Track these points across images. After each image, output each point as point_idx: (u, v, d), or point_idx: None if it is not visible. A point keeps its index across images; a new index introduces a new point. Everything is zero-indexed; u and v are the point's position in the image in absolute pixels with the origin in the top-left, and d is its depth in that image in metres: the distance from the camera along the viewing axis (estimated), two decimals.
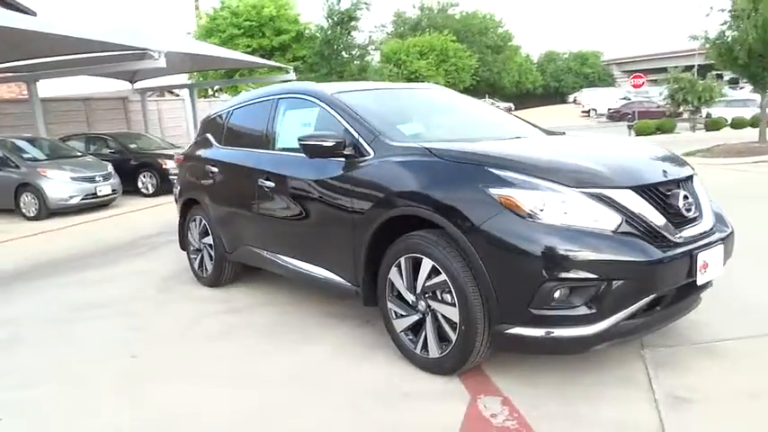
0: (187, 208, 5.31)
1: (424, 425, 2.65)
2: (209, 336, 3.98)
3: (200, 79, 23.45)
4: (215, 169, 4.82)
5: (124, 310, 4.69)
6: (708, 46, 12.94)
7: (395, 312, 3.25)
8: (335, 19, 21.93)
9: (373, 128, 3.47)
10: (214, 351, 3.71)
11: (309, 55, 22.48)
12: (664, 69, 56.14)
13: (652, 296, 2.71)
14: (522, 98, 54.45)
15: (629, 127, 21.56)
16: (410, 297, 3.13)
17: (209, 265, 5.07)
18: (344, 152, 3.45)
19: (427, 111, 4.29)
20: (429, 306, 3.04)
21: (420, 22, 44.77)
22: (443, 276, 2.89)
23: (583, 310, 2.62)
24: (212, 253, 4.98)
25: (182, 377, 3.34)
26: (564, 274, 2.58)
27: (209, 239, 5.01)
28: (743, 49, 11.66)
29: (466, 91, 32.33)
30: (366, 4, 22.29)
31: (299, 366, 3.36)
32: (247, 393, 3.07)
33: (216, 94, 26.55)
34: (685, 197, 2.93)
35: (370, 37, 23.37)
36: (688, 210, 2.91)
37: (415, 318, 3.13)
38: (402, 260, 3.12)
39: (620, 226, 2.66)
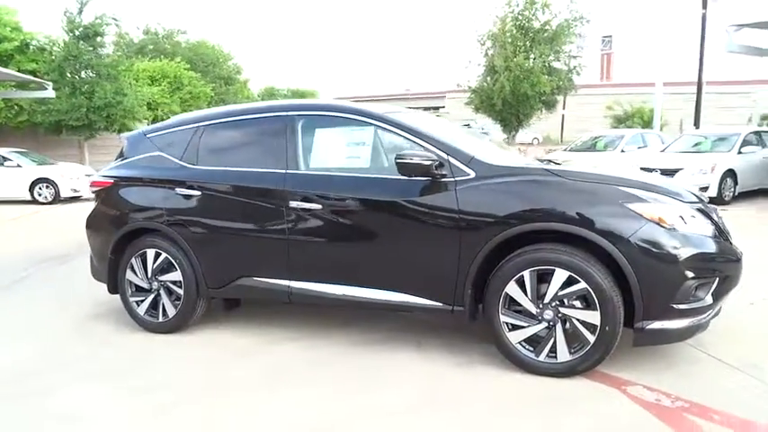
0: (126, 241, 4.37)
1: (621, 420, 2.89)
2: (251, 387, 3.42)
3: None
4: (195, 192, 4.13)
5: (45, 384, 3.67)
6: (470, 94, 15.50)
7: (509, 325, 3.38)
8: (78, 33, 19.32)
9: (464, 149, 3.57)
10: (287, 410, 3.24)
11: (45, 71, 19.25)
12: None
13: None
14: None
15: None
16: (533, 308, 3.31)
17: (169, 308, 4.26)
18: (440, 172, 3.46)
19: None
20: (560, 314, 3.27)
21: (145, 47, 41.97)
22: (582, 284, 3.17)
23: (708, 301, 3.21)
24: (179, 292, 4.21)
25: None
26: (700, 273, 3.14)
27: (173, 276, 4.22)
28: (499, 98, 14.33)
29: None
30: (114, 19, 20.22)
31: (432, 390, 3.23)
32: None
33: None
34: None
35: (119, 56, 21.07)
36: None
37: (538, 327, 3.32)
38: (526, 273, 3.29)
39: (714, 232, 3.34)
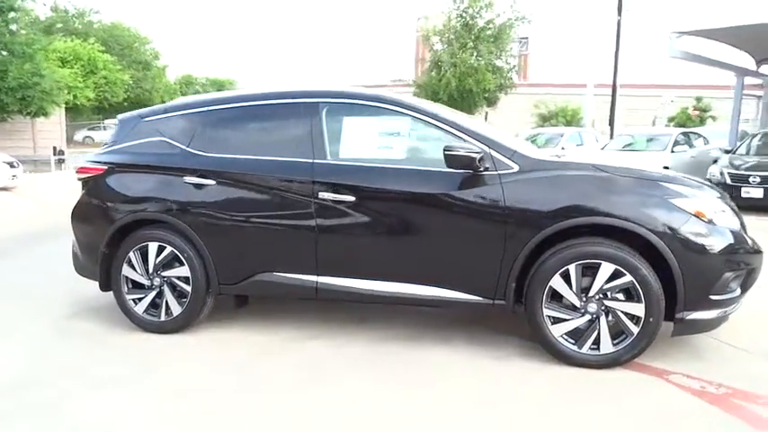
0: (123, 233, 4.02)
1: (680, 407, 2.98)
2: (287, 388, 3.25)
3: None
4: (208, 181, 3.85)
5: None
6: (415, 89, 15.62)
7: (552, 318, 3.39)
8: None
9: (506, 143, 3.55)
10: (335, 410, 3.10)
11: None
12: None
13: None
14: None
15: None
16: (577, 301, 3.35)
17: (174, 306, 3.95)
18: (484, 165, 3.42)
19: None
20: (604, 306, 3.32)
21: (53, 26, 38.94)
22: (628, 277, 3.24)
23: (738, 292, 3.37)
24: (185, 288, 3.92)
25: None
26: (734, 265, 3.30)
27: (179, 271, 3.92)
28: (445, 93, 14.55)
29: (120, 107, 29.76)
30: None
31: (483, 385, 3.19)
32: None
33: None
34: None
35: (34, 34, 19.34)
36: None
37: (582, 320, 3.36)
38: (572, 267, 3.32)
39: (740, 225, 3.51)
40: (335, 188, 3.61)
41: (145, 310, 4.02)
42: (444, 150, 3.37)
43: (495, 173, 3.43)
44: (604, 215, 3.27)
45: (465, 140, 3.51)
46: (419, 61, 46.56)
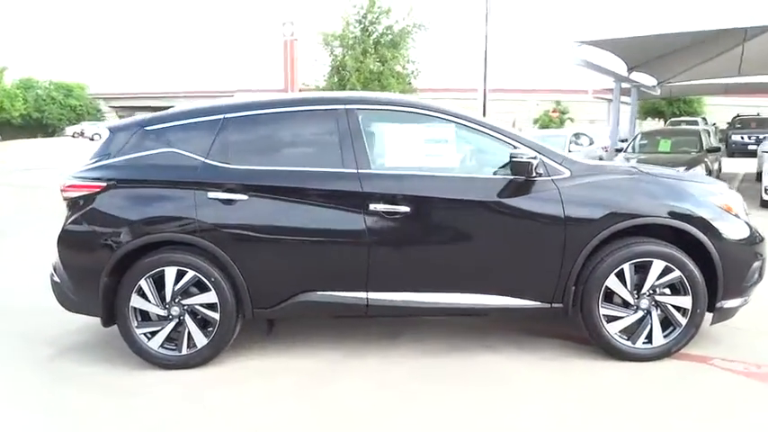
0: (130, 259, 3.52)
1: (736, 388, 3.24)
2: (375, 415, 3.07)
3: None
4: (239, 196, 3.49)
5: None
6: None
7: (607, 317, 3.52)
8: None
9: (554, 149, 3.62)
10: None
11: None
12: (156, 108, 58.57)
13: None
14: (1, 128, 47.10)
15: None
16: (631, 299, 3.51)
17: (199, 337, 3.54)
18: (539, 171, 3.47)
19: None
20: (655, 301, 3.51)
21: None
22: (677, 273, 3.46)
23: (759, 280, 3.73)
24: (212, 316, 3.53)
25: None
26: (759, 255, 3.65)
27: (204, 298, 3.52)
28: None
29: None
30: None
31: (595, 390, 3.22)
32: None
33: None
34: None
35: None
36: None
37: (636, 316, 3.52)
38: (626, 266, 3.47)
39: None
40: (389, 199, 3.44)
41: (161, 345, 3.55)
42: (511, 157, 3.37)
43: (549, 178, 3.49)
44: (657, 215, 3.45)
45: (518, 147, 3.53)
46: (290, 67, 45.83)
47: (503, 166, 3.58)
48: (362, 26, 17.51)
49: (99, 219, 3.56)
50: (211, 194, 3.49)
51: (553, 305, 3.54)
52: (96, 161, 3.69)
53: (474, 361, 3.64)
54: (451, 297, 3.54)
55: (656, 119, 32.96)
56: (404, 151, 3.69)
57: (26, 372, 3.63)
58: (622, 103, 15.33)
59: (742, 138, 21.02)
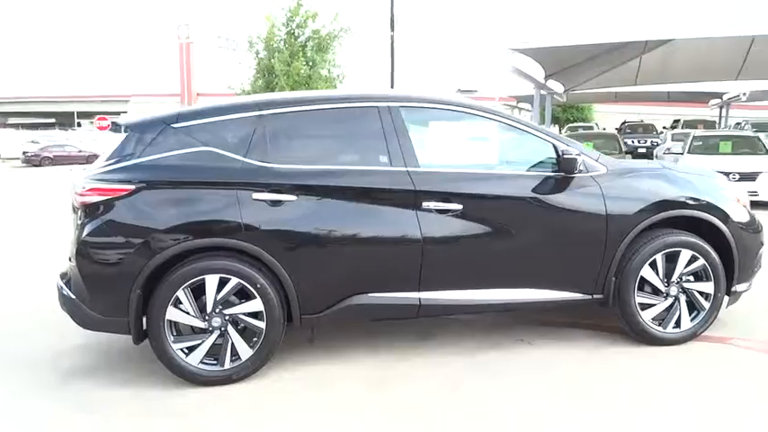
0: (167, 267, 3.23)
1: (758, 364, 3.54)
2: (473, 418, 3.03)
3: None
4: (287, 197, 3.30)
5: None
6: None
7: (642, 305, 3.71)
8: None
9: (587, 148, 3.77)
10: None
11: None
12: (43, 114, 53.65)
13: None
14: None
15: None
16: (662, 286, 3.72)
17: (243, 348, 3.31)
18: (580, 168, 3.60)
19: None
20: (683, 288, 3.75)
21: None
22: (701, 261, 3.72)
23: (761, 266, 4.09)
24: (257, 325, 3.32)
25: None
26: (763, 242, 4.00)
27: (248, 306, 3.30)
28: None
29: None
30: None
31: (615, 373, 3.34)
32: None
33: None
34: None
35: None
36: None
37: (667, 303, 3.74)
38: (658, 256, 3.68)
39: None
40: (442, 196, 3.42)
41: (202, 360, 3.29)
42: (562, 154, 3.46)
43: (588, 174, 3.62)
44: (688, 208, 3.69)
45: (556, 145, 3.63)
46: (186, 70, 44.15)
47: (539, 163, 3.68)
48: (289, 29, 17.18)
49: (129, 225, 3.23)
50: (256, 195, 3.28)
51: (594, 296, 3.67)
52: (116, 162, 3.34)
53: (514, 355, 3.69)
54: (501, 293, 3.57)
55: (553, 125, 35.13)
56: (447, 149, 3.69)
57: (37, 400, 3.20)
58: (524, 109, 16.29)
59: (633, 141, 22.94)
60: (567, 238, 3.60)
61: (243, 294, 3.31)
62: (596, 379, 3.34)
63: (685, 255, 3.70)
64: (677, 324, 3.76)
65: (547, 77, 15.41)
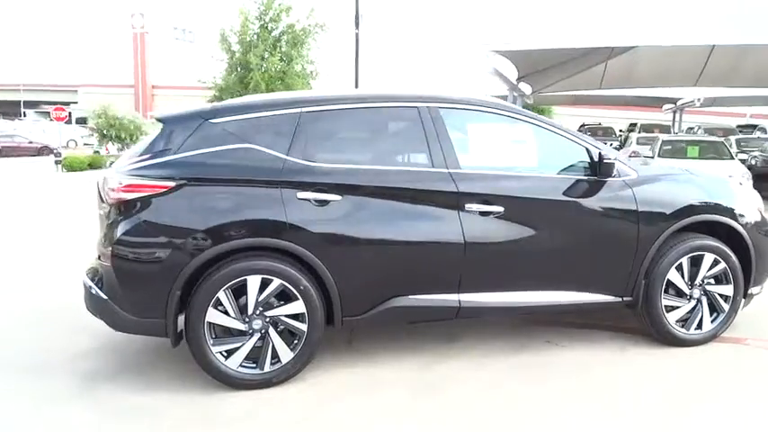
0: (208, 267, 3.12)
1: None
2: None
3: None
4: (332, 196, 3.24)
5: None
6: (215, 92, 14.45)
7: (668, 307, 3.81)
8: None
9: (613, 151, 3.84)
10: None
11: None
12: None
13: None
14: None
15: (57, 162, 19.86)
16: (686, 289, 3.83)
17: (284, 351, 3.24)
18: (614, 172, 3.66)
19: None
20: (705, 291, 3.87)
21: None
22: (722, 264, 3.85)
23: None
24: (298, 327, 3.25)
25: None
26: None
27: (290, 308, 3.22)
28: (255, 94, 13.85)
29: None
30: None
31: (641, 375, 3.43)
32: None
33: None
34: None
35: None
36: None
37: (690, 306, 3.85)
38: (684, 259, 3.79)
39: None
40: (485, 198, 3.42)
41: (241, 364, 3.19)
42: (604, 159, 3.51)
43: (621, 179, 3.69)
44: (714, 213, 3.80)
45: (589, 151, 3.68)
46: (141, 61, 42.72)
47: (572, 167, 3.72)
48: (262, 23, 16.83)
49: (169, 223, 3.10)
50: (301, 195, 3.20)
51: (624, 299, 3.75)
52: (151, 157, 3.20)
53: (546, 357, 3.72)
54: (536, 295, 3.60)
55: None
56: (485, 151, 3.69)
57: (68, 407, 3.03)
58: None
59: None
60: (602, 241, 3.66)
61: (281, 296, 3.23)
62: (628, 381, 3.39)
63: (708, 258, 3.81)
64: (699, 326, 3.88)
65: (519, 79, 15.67)
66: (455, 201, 3.39)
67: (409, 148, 3.53)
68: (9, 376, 3.41)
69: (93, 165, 20.57)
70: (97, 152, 22.15)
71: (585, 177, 3.64)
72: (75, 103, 45.15)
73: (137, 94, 48.39)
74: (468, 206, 3.39)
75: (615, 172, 3.64)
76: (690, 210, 3.76)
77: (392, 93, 3.64)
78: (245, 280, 3.15)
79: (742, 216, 3.89)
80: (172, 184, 3.11)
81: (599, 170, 3.57)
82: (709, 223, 3.84)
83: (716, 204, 3.84)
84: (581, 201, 3.60)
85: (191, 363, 3.20)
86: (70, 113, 30.12)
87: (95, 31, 50.61)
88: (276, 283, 3.18)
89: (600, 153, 3.57)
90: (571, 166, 3.73)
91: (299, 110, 3.38)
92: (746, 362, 3.70)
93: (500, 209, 3.44)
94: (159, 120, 3.33)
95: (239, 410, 2.99)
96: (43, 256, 6.51)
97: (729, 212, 3.85)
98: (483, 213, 3.42)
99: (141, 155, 3.23)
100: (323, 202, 3.23)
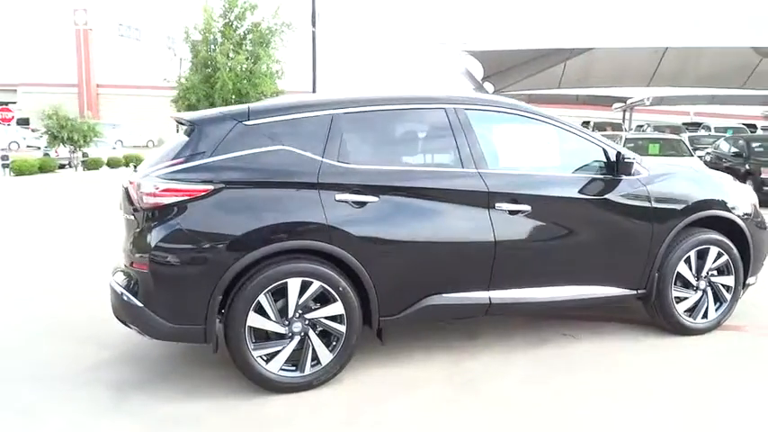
0: (248, 270, 3.10)
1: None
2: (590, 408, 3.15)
3: None
4: (370, 198, 3.26)
5: None
6: (180, 92, 14.08)
7: (677, 298, 4.01)
8: None
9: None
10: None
11: None
12: None
13: None
14: None
15: (5, 166, 18.91)
16: (693, 281, 4.04)
17: (323, 353, 3.25)
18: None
19: None
20: (710, 282, 4.08)
21: None
22: (725, 257, 4.07)
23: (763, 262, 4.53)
24: (337, 329, 3.26)
25: None
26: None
27: (330, 309, 3.24)
28: (220, 96, 13.60)
29: None
30: None
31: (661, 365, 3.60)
32: None
33: None
34: None
35: None
36: None
37: (697, 296, 4.06)
38: (692, 253, 3.99)
39: None
40: (514, 197, 3.51)
41: (280, 368, 3.18)
42: (624, 159, 3.66)
43: (635, 177, 3.85)
44: (720, 208, 4.02)
45: (606, 151, 3.82)
46: (84, 59, 41.17)
47: (588, 166, 3.86)
48: (227, 21, 16.53)
49: (209, 227, 3.06)
50: (339, 197, 3.21)
51: (638, 291, 3.92)
52: (186, 161, 3.15)
53: (567, 350, 3.84)
54: (561, 290, 3.72)
55: None
56: (510, 151, 3.78)
57: (104, 421, 2.95)
58: None
59: None
60: (621, 237, 3.82)
61: (319, 298, 3.23)
62: (653, 367, 3.56)
63: (713, 251, 4.03)
64: (705, 315, 4.09)
65: (484, 79, 15.97)
66: (486, 200, 3.46)
67: (438, 149, 3.60)
68: (36, 390, 3.28)
69: (44, 168, 19.73)
70: (47, 155, 21.21)
71: (603, 176, 3.78)
72: (14, 103, 43.00)
73: (81, 94, 46.53)
74: (498, 205, 3.48)
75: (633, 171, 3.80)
76: (699, 205, 3.96)
77: (421, 95, 3.69)
78: (286, 283, 3.13)
79: (742, 211, 4.12)
80: (210, 187, 3.06)
81: (618, 169, 3.72)
82: (713, 218, 4.05)
83: (721, 200, 4.06)
84: (601, 198, 3.74)
85: (215, 368, 3.20)
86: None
87: (35, 28, 48.37)
88: (316, 285, 3.18)
89: (618, 153, 3.72)
90: (588, 165, 3.86)
91: (330, 112, 3.38)
92: (750, 347, 3.93)
93: (528, 207, 3.54)
94: (190, 122, 3.27)
95: (282, 414, 2.99)
96: (21, 265, 6.24)
97: (732, 208, 4.08)
98: (512, 212, 3.51)
99: (174, 158, 3.17)
100: (360, 204, 3.25)
